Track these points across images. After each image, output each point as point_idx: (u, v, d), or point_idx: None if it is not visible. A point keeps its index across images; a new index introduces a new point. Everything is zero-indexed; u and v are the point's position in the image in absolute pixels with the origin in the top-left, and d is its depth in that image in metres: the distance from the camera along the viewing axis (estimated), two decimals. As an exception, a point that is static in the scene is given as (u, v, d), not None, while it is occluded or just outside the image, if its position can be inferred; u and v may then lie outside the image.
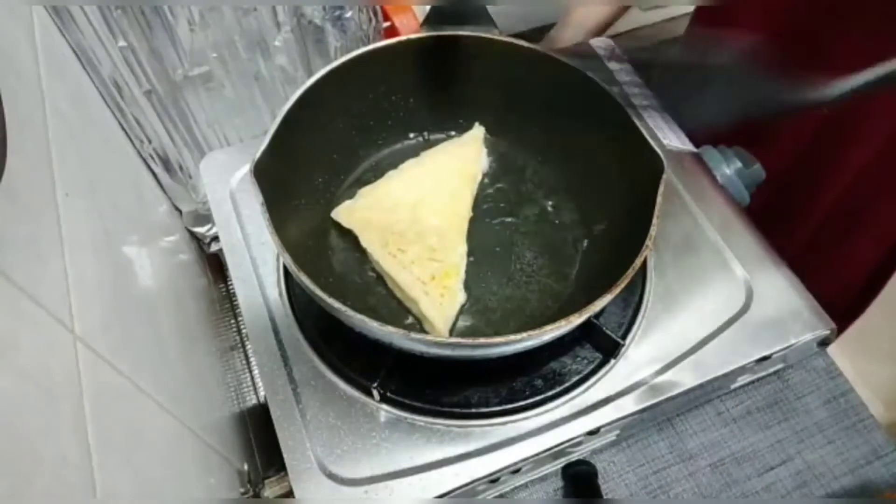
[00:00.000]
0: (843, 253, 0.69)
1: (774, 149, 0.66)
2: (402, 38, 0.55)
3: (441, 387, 0.49)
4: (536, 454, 0.47)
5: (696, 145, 0.63)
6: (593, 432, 0.48)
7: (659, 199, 0.46)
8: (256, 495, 0.53)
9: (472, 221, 0.56)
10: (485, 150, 0.59)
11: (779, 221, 0.68)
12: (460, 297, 0.51)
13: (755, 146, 0.63)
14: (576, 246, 0.55)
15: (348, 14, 0.63)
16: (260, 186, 0.45)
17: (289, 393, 0.49)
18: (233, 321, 0.72)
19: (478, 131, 0.60)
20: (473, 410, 0.48)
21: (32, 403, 0.29)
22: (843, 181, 0.65)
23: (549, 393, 0.49)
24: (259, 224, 0.50)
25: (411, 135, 0.61)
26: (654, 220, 0.45)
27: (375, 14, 0.65)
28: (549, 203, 0.58)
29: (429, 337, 0.42)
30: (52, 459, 0.29)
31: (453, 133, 0.61)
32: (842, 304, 0.62)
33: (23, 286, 0.31)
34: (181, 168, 0.68)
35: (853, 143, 0.62)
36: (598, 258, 0.53)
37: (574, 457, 0.53)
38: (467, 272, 0.53)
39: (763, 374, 0.55)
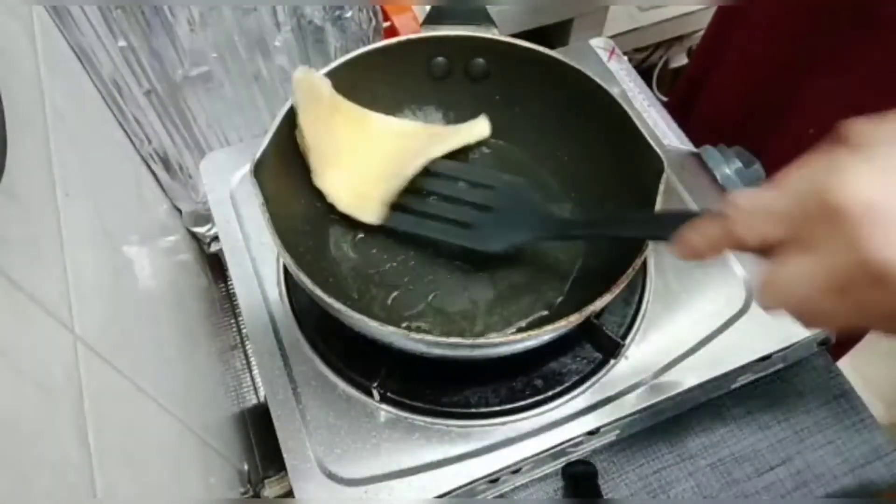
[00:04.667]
0: None
1: (775, 149, 0.66)
2: (402, 38, 0.55)
3: (441, 387, 0.49)
4: (536, 454, 0.47)
5: (696, 145, 0.63)
6: (593, 432, 0.48)
7: (659, 198, 0.46)
8: (256, 495, 0.53)
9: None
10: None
11: None
12: None
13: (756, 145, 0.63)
14: (576, 245, 0.55)
15: (348, 14, 0.63)
16: (260, 186, 0.45)
17: (289, 393, 0.49)
18: (233, 321, 0.72)
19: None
20: (473, 410, 0.48)
21: (32, 403, 0.29)
22: None
23: (549, 393, 0.49)
24: (259, 224, 0.50)
25: (411, 135, 0.61)
26: (655, 220, 0.45)
27: (375, 14, 0.65)
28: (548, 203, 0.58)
29: (429, 337, 0.42)
30: (52, 459, 0.29)
31: (453, 133, 0.61)
32: None
33: (23, 286, 0.31)
34: (181, 168, 0.68)
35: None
36: (598, 258, 0.53)
37: (574, 457, 0.53)
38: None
39: (763, 374, 0.55)
